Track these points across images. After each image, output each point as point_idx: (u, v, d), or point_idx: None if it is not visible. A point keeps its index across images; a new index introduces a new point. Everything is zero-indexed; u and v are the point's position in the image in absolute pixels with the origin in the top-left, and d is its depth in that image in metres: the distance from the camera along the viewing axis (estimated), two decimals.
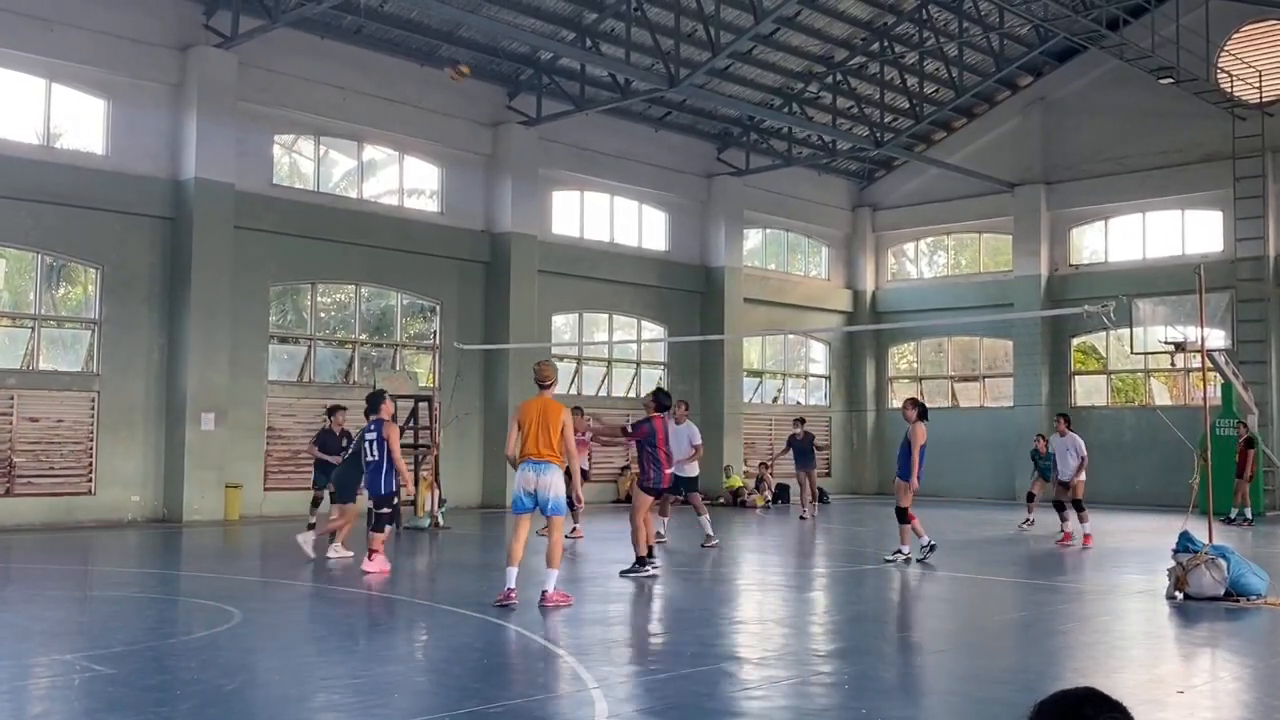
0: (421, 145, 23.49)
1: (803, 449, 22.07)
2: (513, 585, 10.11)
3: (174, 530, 18.17)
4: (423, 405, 19.27)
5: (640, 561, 12.59)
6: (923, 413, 14.20)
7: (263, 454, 20.91)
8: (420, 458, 19.00)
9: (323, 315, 22.89)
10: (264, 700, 7.00)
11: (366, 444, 12.70)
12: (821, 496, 25.28)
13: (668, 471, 13.34)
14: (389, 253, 22.59)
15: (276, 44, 20.59)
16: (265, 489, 20.83)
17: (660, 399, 13.74)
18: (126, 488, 19.32)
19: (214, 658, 8.11)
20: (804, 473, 22.10)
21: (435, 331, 23.86)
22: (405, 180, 23.79)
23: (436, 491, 18.57)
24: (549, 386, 10.60)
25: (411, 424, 18.76)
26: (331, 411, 16.30)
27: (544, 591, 10.21)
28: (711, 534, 15.97)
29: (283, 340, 22.11)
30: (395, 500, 13.10)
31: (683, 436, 16.31)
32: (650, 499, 13.06)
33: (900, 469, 14.12)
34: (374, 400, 13.03)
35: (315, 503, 16.50)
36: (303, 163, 22.72)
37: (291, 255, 21.38)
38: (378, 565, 12.49)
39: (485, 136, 24.18)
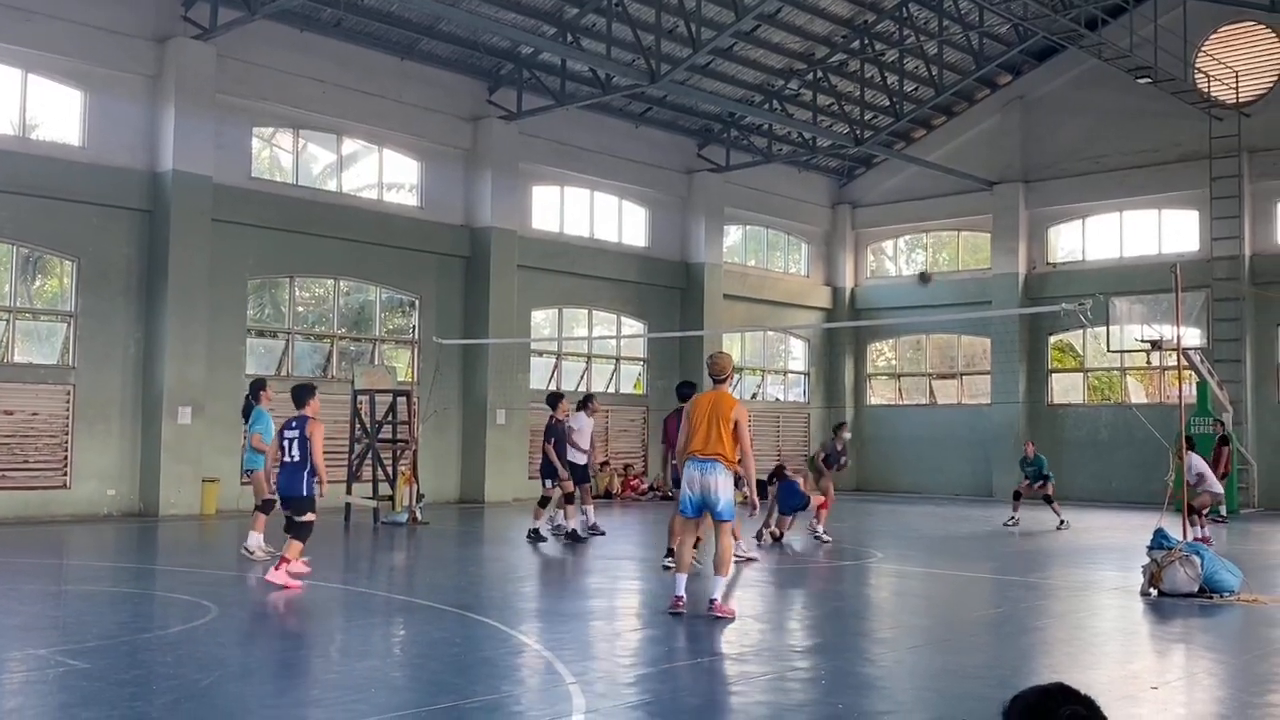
0: (401, 139, 23.41)
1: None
2: (681, 592, 9.64)
3: (150, 524, 18.08)
4: (401, 400, 19.22)
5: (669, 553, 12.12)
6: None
7: (240, 448, 20.77)
8: (399, 453, 18.96)
9: (301, 309, 22.80)
10: (240, 695, 6.97)
11: (286, 442, 11.12)
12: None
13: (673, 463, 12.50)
14: (368, 247, 22.52)
15: (255, 36, 20.48)
16: (242, 483, 20.61)
17: (679, 390, 13.16)
18: (102, 482, 19.19)
19: (190, 652, 8.08)
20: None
21: (414, 326, 23.80)
22: (385, 174, 23.71)
23: (414, 486, 18.55)
24: (724, 380, 9.91)
25: (390, 419, 18.73)
26: (554, 402, 16.22)
27: (712, 600, 9.67)
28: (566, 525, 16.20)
29: (260, 334, 22.00)
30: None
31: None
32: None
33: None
34: (299, 394, 11.34)
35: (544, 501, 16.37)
36: (281, 156, 22.61)
37: (270, 249, 21.27)
38: (283, 577, 10.75)
39: (465, 131, 24.11)
